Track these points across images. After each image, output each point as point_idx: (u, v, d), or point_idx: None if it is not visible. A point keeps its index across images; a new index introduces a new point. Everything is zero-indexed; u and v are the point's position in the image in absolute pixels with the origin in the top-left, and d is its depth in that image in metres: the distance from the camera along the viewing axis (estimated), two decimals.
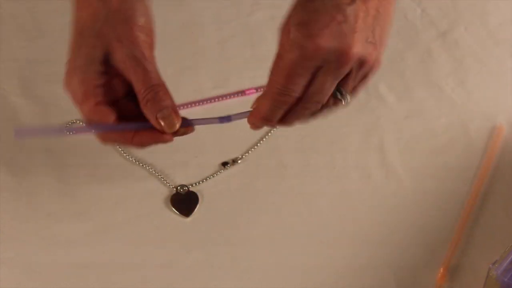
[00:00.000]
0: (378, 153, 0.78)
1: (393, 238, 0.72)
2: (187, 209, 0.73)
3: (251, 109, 0.66)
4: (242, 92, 0.81)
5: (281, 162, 0.77)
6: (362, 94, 0.81)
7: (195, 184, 0.75)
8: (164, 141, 0.66)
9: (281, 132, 0.78)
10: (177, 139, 0.77)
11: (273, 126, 0.68)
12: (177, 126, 0.64)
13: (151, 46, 0.67)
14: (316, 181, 0.76)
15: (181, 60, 0.84)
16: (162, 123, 0.64)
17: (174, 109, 0.65)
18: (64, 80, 0.66)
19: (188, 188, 0.75)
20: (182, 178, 0.76)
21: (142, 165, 0.76)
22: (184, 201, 0.74)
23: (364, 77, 0.66)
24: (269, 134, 0.79)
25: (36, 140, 0.76)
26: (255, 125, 0.67)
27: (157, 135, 0.65)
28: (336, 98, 0.66)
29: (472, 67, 0.84)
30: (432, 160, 0.77)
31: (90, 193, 0.74)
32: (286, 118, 0.66)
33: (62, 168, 0.75)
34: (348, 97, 0.66)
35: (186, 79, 0.82)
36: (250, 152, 0.77)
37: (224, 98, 0.81)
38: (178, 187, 0.75)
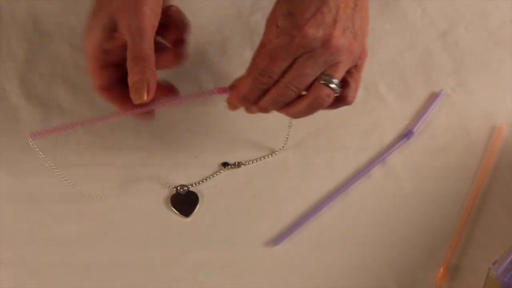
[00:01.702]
0: (378, 153, 0.78)
1: (393, 238, 0.72)
2: (187, 209, 0.73)
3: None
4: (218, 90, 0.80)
5: (281, 162, 0.77)
6: (362, 94, 0.81)
7: (195, 184, 0.75)
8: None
9: (281, 132, 0.78)
10: (177, 139, 0.78)
11: (249, 107, 0.71)
12: (144, 99, 0.69)
13: (155, 18, 0.71)
14: (316, 181, 0.76)
15: None
16: (134, 93, 0.69)
17: (149, 84, 0.69)
18: (83, 31, 0.71)
19: (188, 188, 0.75)
20: (182, 178, 0.76)
21: (142, 165, 0.76)
22: (184, 201, 0.74)
23: (355, 66, 0.71)
24: (275, 153, 0.79)
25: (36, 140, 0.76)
26: (232, 105, 0.72)
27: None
28: (327, 86, 0.68)
29: (472, 67, 0.84)
30: (432, 160, 0.77)
31: (90, 193, 0.74)
32: (263, 100, 0.70)
33: (62, 168, 0.75)
34: (338, 85, 0.69)
35: (186, 79, 0.82)
36: (254, 162, 0.77)
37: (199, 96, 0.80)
38: (178, 187, 0.75)
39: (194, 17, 0.87)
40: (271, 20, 0.70)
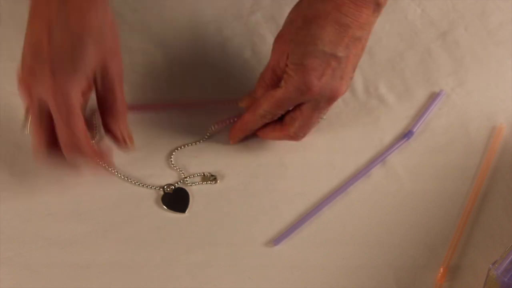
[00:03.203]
0: (378, 153, 0.78)
1: (393, 238, 0.72)
2: (182, 206, 0.73)
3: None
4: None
5: (281, 162, 0.77)
6: (362, 94, 0.81)
7: (192, 183, 0.75)
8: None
9: None
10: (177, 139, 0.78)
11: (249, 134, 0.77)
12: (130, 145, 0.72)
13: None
14: (316, 181, 0.76)
15: (181, 60, 0.84)
16: (129, 141, 0.72)
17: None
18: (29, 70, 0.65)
19: (174, 186, 0.75)
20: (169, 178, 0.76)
21: (143, 165, 0.76)
22: (175, 199, 0.74)
23: None
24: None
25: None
26: (237, 138, 0.77)
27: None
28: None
29: (472, 67, 0.84)
30: (432, 160, 0.77)
31: (90, 193, 0.74)
32: (267, 134, 0.76)
33: (62, 168, 0.75)
34: (324, 117, 0.76)
35: (187, 79, 0.82)
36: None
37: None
38: (165, 187, 0.74)
39: (194, 17, 0.87)
40: (280, 44, 0.71)
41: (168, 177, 0.75)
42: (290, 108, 0.73)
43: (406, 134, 0.78)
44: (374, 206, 0.74)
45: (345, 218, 0.73)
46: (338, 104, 0.80)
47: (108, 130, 0.71)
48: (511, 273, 0.63)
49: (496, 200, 0.74)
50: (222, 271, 0.70)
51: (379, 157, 0.77)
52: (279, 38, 0.72)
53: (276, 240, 0.72)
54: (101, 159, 0.70)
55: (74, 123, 0.65)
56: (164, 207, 0.73)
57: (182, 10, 0.87)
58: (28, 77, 0.65)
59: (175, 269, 0.70)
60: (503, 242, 0.71)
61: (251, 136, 0.77)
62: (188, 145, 0.78)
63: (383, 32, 0.86)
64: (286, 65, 0.70)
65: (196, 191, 0.75)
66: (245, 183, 0.75)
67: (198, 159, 0.77)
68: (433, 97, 0.81)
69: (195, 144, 0.78)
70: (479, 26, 0.87)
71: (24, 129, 0.70)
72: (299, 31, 0.69)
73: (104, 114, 0.70)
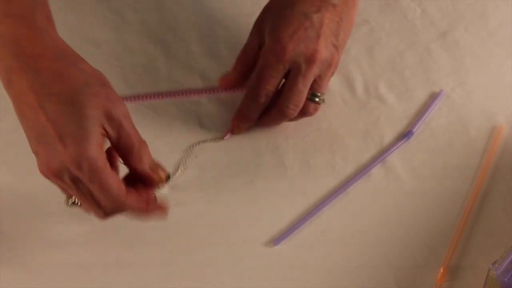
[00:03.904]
0: (378, 153, 0.78)
1: (393, 238, 0.72)
2: None
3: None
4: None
5: (281, 162, 0.77)
6: (362, 94, 0.81)
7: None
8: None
9: (281, 132, 0.78)
10: (177, 140, 0.78)
11: (240, 126, 0.77)
12: (164, 175, 0.65)
13: None
14: (316, 181, 0.76)
15: (181, 60, 0.84)
16: (155, 174, 0.64)
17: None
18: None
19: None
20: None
21: None
22: None
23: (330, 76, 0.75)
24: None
25: None
26: (238, 128, 0.77)
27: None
28: (314, 102, 0.74)
29: (472, 67, 0.84)
30: (432, 160, 0.77)
31: None
32: (265, 119, 0.76)
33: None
34: (324, 97, 0.75)
35: (187, 79, 0.82)
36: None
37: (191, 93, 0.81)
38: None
39: (194, 18, 0.87)
40: (258, 25, 0.74)
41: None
42: (277, 80, 0.73)
43: (406, 134, 0.78)
44: (374, 206, 0.74)
45: (345, 218, 0.73)
46: (338, 104, 0.80)
47: (138, 172, 0.64)
48: (511, 273, 0.63)
49: (496, 200, 0.74)
50: (222, 271, 0.70)
51: (379, 157, 0.77)
52: (256, 20, 0.75)
53: (276, 240, 0.72)
54: (150, 210, 0.66)
55: (109, 184, 0.60)
56: None
57: (182, 10, 0.87)
58: (46, 161, 0.60)
59: (175, 269, 0.70)
60: (503, 242, 0.71)
61: (254, 127, 0.77)
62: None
63: (383, 32, 0.86)
64: (261, 42, 0.73)
65: (196, 191, 0.75)
66: (245, 183, 0.75)
67: (197, 158, 0.77)
68: (433, 97, 0.81)
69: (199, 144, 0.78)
70: (479, 26, 0.87)
71: (71, 204, 0.66)
72: (272, 3, 0.73)
73: (127, 159, 0.63)
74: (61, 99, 0.59)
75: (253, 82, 0.74)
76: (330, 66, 0.73)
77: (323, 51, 0.71)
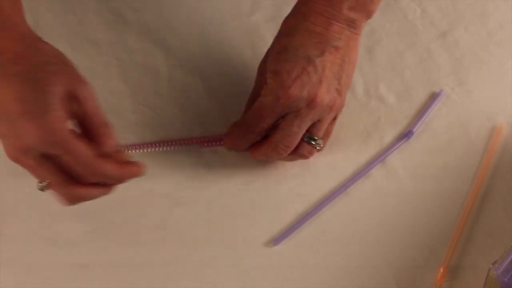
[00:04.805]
0: (378, 153, 0.78)
1: (393, 238, 0.72)
2: None
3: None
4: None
5: (281, 162, 0.77)
6: (362, 94, 0.81)
7: None
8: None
9: None
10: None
11: (239, 151, 0.75)
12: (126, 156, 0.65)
13: None
14: (316, 181, 0.76)
15: (181, 60, 0.84)
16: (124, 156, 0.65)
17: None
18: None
19: None
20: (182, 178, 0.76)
21: None
22: None
23: (334, 119, 0.74)
24: None
25: None
26: (229, 146, 0.75)
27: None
28: (310, 144, 0.73)
29: (472, 67, 0.84)
30: (432, 160, 0.77)
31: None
32: (256, 152, 0.73)
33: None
34: (321, 142, 0.73)
35: (187, 79, 0.82)
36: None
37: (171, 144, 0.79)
38: None
39: (194, 18, 0.87)
40: (261, 70, 0.72)
41: None
42: (272, 122, 0.71)
43: (406, 134, 0.78)
44: (374, 206, 0.74)
45: (345, 218, 0.73)
46: None
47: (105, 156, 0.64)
48: (511, 273, 0.63)
49: (496, 200, 0.74)
50: (222, 271, 0.70)
51: (379, 157, 0.77)
52: (260, 64, 0.73)
53: (276, 240, 0.72)
54: (127, 169, 0.65)
55: (79, 150, 0.61)
56: None
57: (181, 10, 0.87)
58: (12, 142, 0.60)
59: (175, 269, 0.70)
60: (503, 242, 0.71)
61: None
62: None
63: (383, 32, 0.86)
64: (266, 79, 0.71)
65: (196, 190, 0.75)
66: (245, 183, 0.75)
67: (198, 158, 0.77)
68: (433, 97, 0.81)
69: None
70: (479, 26, 0.87)
71: (44, 187, 0.65)
72: (274, 46, 0.72)
73: (91, 140, 0.63)
74: (22, 78, 0.60)
75: (249, 116, 0.72)
76: (331, 110, 0.71)
77: (325, 96, 0.70)
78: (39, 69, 0.61)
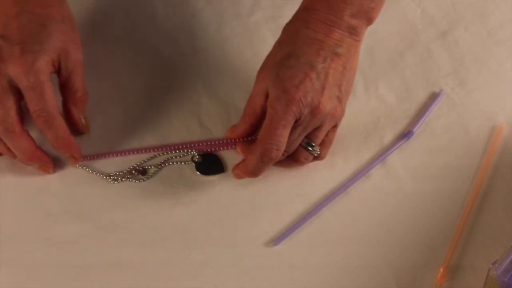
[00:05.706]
0: (378, 153, 0.78)
1: (393, 238, 0.72)
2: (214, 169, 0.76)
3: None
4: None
5: None
6: (362, 94, 0.81)
7: None
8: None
9: None
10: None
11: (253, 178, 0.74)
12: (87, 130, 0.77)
13: None
14: (316, 181, 0.76)
15: (181, 60, 0.84)
16: (84, 121, 0.77)
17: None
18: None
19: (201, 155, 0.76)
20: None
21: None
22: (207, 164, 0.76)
23: (333, 127, 0.74)
24: None
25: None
26: (239, 176, 0.74)
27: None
28: (307, 150, 0.73)
29: (472, 67, 0.84)
30: (432, 160, 0.77)
31: (90, 193, 0.74)
32: (252, 159, 0.72)
33: (62, 168, 0.76)
34: (318, 149, 0.73)
35: (186, 79, 0.82)
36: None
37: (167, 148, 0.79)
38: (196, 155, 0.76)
39: (194, 18, 0.87)
40: (262, 75, 0.72)
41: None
42: (288, 132, 0.70)
43: (406, 134, 0.78)
44: (374, 206, 0.74)
45: (345, 218, 0.73)
46: None
47: (68, 116, 0.75)
48: (511, 273, 0.63)
49: (496, 200, 0.74)
50: (222, 271, 0.70)
51: (379, 157, 0.77)
52: (260, 70, 0.73)
53: (276, 240, 0.72)
54: (70, 138, 0.73)
55: (48, 95, 0.70)
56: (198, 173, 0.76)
57: (181, 10, 0.87)
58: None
59: (175, 269, 0.70)
60: (503, 242, 0.71)
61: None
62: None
63: (383, 32, 0.86)
64: (268, 92, 0.70)
65: (196, 190, 0.75)
66: (245, 183, 0.75)
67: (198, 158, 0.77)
68: (433, 97, 0.81)
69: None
70: (479, 26, 0.87)
71: None
72: (276, 53, 0.71)
73: (66, 100, 0.75)
74: (37, 19, 0.71)
75: (264, 134, 0.70)
76: (332, 118, 0.72)
77: (327, 103, 0.70)
78: (54, 21, 0.72)
